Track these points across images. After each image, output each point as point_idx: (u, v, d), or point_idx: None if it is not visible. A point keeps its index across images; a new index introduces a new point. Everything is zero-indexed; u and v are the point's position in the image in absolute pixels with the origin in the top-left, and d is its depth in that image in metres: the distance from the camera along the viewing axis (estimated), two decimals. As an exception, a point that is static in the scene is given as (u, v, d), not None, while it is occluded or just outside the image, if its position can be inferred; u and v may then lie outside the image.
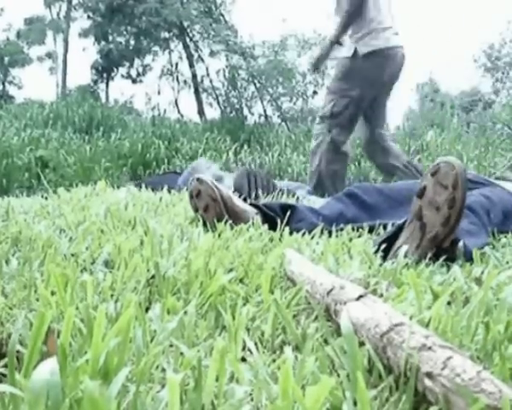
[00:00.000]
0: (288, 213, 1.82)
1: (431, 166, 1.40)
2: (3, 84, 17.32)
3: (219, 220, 1.78)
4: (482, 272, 1.20)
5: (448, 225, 1.35)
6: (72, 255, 1.33)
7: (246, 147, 7.23)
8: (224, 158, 6.71)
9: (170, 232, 1.50)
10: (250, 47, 9.79)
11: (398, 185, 2.09)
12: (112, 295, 1.03)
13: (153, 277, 1.11)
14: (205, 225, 1.82)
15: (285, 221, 1.73)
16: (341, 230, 1.71)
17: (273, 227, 1.70)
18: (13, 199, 2.71)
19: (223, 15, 10.94)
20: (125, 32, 12.91)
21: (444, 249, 1.36)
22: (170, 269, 1.13)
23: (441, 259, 1.31)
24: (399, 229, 1.45)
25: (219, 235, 1.56)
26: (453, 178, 1.34)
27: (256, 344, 0.85)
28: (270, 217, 1.83)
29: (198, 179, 1.92)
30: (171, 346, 0.78)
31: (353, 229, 1.75)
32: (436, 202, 1.36)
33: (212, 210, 1.86)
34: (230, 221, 1.76)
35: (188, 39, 11.20)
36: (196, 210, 1.92)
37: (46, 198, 2.64)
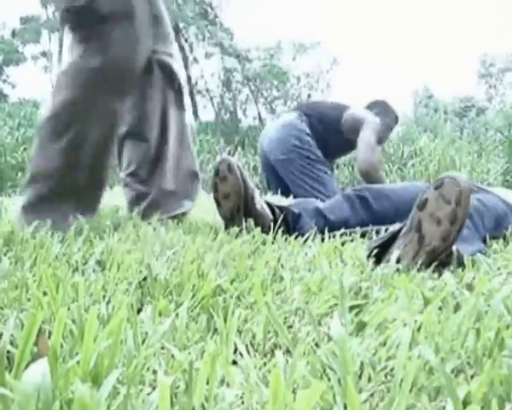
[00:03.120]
0: (293, 218, 1.81)
1: (435, 180, 1.40)
2: (-3, 82, 17.28)
3: (233, 214, 1.75)
4: (473, 278, 1.21)
5: (447, 241, 1.35)
6: (64, 255, 1.33)
7: (240, 149, 7.25)
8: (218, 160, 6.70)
9: (163, 233, 1.50)
10: (245, 50, 9.81)
11: (406, 192, 2.04)
12: (104, 297, 1.03)
13: (145, 278, 1.11)
14: (218, 208, 1.81)
15: (285, 226, 1.74)
16: (334, 236, 1.70)
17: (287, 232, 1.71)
18: (5, 198, 2.70)
19: (218, 18, 10.95)
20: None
21: (440, 261, 1.36)
22: (162, 271, 1.13)
23: (433, 265, 1.31)
24: (393, 235, 1.45)
25: (215, 238, 1.56)
26: (457, 194, 1.33)
27: (247, 347, 0.85)
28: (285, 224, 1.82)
29: (229, 165, 1.83)
30: (162, 348, 0.78)
31: (346, 233, 1.75)
32: (437, 216, 1.35)
33: (231, 202, 1.81)
34: (243, 219, 1.74)
35: (183, 41, 11.20)
36: (216, 191, 1.86)
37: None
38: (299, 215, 1.88)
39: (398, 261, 1.38)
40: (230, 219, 1.77)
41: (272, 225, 1.73)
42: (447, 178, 1.36)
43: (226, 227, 1.80)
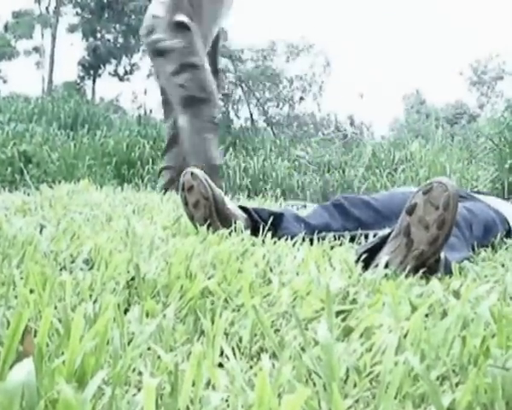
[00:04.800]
0: (274, 220, 1.81)
1: (424, 185, 1.40)
2: (-11, 76, 17.19)
3: (207, 219, 1.76)
4: (461, 286, 1.21)
5: (435, 245, 1.35)
6: (52, 253, 1.32)
7: (231, 150, 7.24)
8: (209, 160, 6.69)
9: (152, 233, 1.50)
10: (238, 51, 9.80)
11: (386, 199, 2.06)
12: (90, 296, 1.03)
13: (133, 278, 1.11)
14: (192, 220, 1.81)
15: (270, 227, 1.73)
16: (323, 238, 1.71)
17: (257, 233, 1.70)
18: (-6, 194, 2.69)
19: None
20: (113, 30, 12.87)
21: (427, 266, 1.36)
22: (150, 271, 1.12)
23: (421, 271, 1.32)
24: (382, 240, 1.45)
25: (204, 239, 1.56)
26: (445, 199, 1.34)
27: (234, 350, 0.85)
28: (258, 223, 1.82)
29: (192, 174, 1.85)
30: (148, 349, 0.78)
31: (335, 238, 1.75)
32: (425, 220, 1.36)
33: (202, 208, 1.82)
34: (218, 223, 1.75)
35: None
36: (186, 204, 1.87)
37: (28, 194, 2.62)
38: (282, 215, 1.88)
39: (386, 266, 1.39)
40: (207, 227, 1.77)
41: (252, 225, 1.75)
42: (436, 182, 1.37)
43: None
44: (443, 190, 1.35)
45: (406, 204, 1.42)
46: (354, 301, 1.06)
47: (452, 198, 1.34)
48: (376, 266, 1.36)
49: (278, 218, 1.85)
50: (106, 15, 11.99)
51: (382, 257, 1.37)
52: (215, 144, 3.80)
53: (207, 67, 3.76)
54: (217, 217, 1.80)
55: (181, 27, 3.70)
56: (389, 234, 1.45)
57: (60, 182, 3.20)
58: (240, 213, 1.88)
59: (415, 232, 1.37)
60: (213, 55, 4.12)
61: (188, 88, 3.67)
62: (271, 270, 1.27)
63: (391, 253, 1.39)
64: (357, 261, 1.42)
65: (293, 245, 1.61)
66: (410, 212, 1.39)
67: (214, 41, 4.10)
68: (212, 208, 1.81)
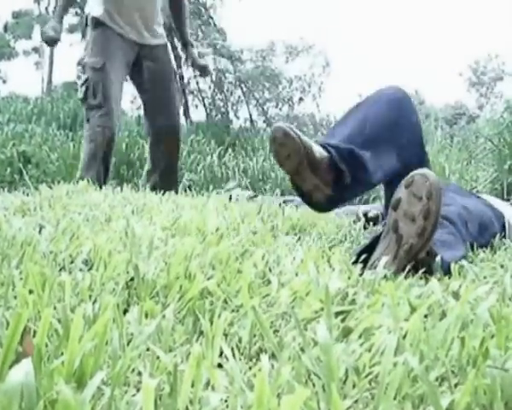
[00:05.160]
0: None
1: (405, 179, 1.41)
2: (-12, 77, 17.19)
3: (298, 169, 1.73)
4: (460, 287, 1.21)
5: (423, 236, 1.35)
6: (51, 253, 1.32)
7: (230, 151, 7.26)
8: (208, 161, 6.70)
9: (151, 234, 1.50)
10: (238, 51, 9.81)
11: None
12: (90, 296, 1.03)
13: (132, 279, 1.11)
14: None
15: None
16: None
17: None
18: (-7, 194, 2.68)
19: (212, 18, 10.94)
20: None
21: (420, 260, 1.36)
22: (149, 272, 1.12)
23: (420, 272, 1.32)
24: (376, 239, 1.46)
25: (203, 239, 1.56)
26: (427, 189, 1.35)
27: (233, 351, 0.85)
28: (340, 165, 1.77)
29: (285, 132, 1.76)
30: (147, 350, 0.78)
31: None
32: (411, 213, 1.36)
33: (294, 158, 1.74)
34: (308, 171, 1.71)
35: (176, 40, 11.18)
36: (276, 154, 1.80)
37: (27, 194, 2.62)
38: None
39: (385, 267, 1.39)
40: (297, 174, 1.74)
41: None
42: (417, 175, 1.38)
43: (292, 182, 1.79)
44: (424, 180, 1.36)
45: (391, 200, 1.42)
46: (353, 302, 1.06)
47: (435, 188, 1.35)
48: (373, 265, 1.36)
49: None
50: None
51: (377, 257, 1.37)
52: (96, 158, 3.48)
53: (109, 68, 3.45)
54: (308, 164, 1.74)
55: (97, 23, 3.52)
56: (381, 233, 1.45)
57: (59, 182, 3.19)
58: (326, 156, 1.78)
59: (402, 227, 1.38)
60: (181, 30, 4.00)
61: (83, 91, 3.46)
62: (270, 270, 1.27)
63: (383, 251, 1.40)
64: (354, 263, 1.42)
65: (297, 241, 1.61)
66: (396, 207, 1.40)
67: (177, 14, 3.97)
68: (304, 161, 1.75)
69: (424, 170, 1.38)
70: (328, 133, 1.97)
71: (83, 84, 3.44)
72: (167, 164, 3.71)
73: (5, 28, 17.94)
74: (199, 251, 1.32)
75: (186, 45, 4.04)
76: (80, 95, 3.48)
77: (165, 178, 3.68)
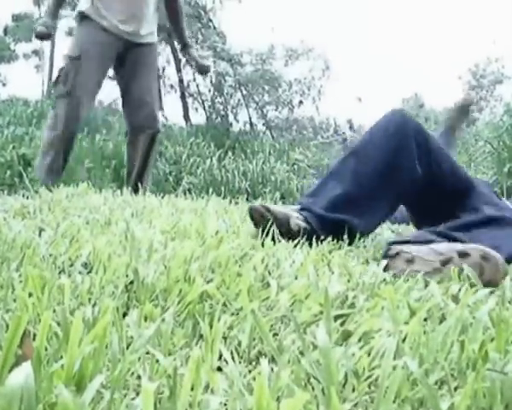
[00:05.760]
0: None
1: (484, 248, 1.42)
2: (-12, 79, 17.21)
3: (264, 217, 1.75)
4: (459, 290, 1.21)
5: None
6: (51, 256, 1.32)
7: (230, 154, 7.26)
8: (208, 164, 6.70)
9: (151, 237, 1.50)
10: (238, 54, 9.81)
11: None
12: (89, 299, 1.03)
13: (131, 282, 1.11)
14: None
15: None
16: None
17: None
18: (-7, 197, 2.68)
19: (212, 21, 10.95)
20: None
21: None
22: (149, 275, 1.12)
23: (419, 275, 1.32)
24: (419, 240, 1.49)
25: (203, 243, 1.56)
26: (493, 277, 1.38)
27: (232, 354, 0.85)
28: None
29: (261, 214, 1.83)
30: (147, 353, 0.78)
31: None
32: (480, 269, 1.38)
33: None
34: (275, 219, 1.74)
35: (176, 43, 11.18)
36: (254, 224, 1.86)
37: (27, 197, 2.62)
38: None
39: (385, 270, 1.39)
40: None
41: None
42: (492, 257, 1.39)
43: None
44: (495, 269, 1.38)
45: (459, 247, 1.44)
46: (353, 306, 1.06)
47: (498, 280, 1.37)
48: (398, 254, 1.41)
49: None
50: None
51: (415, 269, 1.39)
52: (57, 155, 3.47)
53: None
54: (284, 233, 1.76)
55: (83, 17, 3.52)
56: (431, 240, 1.47)
57: (59, 185, 3.20)
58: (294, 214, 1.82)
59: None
60: (179, 31, 3.99)
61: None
62: (270, 273, 1.27)
63: (424, 261, 1.41)
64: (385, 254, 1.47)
65: (295, 246, 1.61)
66: (462, 256, 1.40)
67: (173, 16, 3.95)
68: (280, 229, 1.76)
69: (500, 260, 1.40)
70: (313, 191, 1.94)
71: (59, 72, 3.46)
72: (142, 162, 3.69)
73: (5, 31, 17.95)
74: (198, 254, 1.32)
75: (185, 46, 4.04)
76: (52, 80, 3.49)
77: (140, 174, 3.69)
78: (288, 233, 1.74)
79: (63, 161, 3.51)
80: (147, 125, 3.64)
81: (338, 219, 1.77)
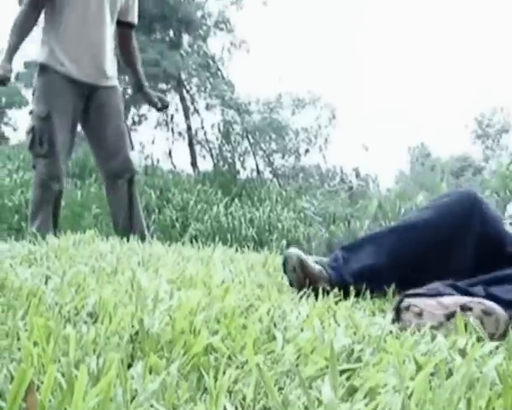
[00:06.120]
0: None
1: (487, 306, 1.42)
2: (-1, 125, 17.45)
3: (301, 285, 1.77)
4: (466, 343, 1.21)
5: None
6: (57, 304, 1.33)
7: (237, 201, 7.29)
8: (215, 211, 6.72)
9: (157, 286, 1.50)
10: (245, 103, 9.94)
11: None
12: (94, 350, 1.02)
13: (137, 333, 1.10)
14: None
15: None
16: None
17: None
18: (1, 243, 2.70)
19: (220, 70, 11.12)
20: (122, 82, 13.09)
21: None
22: (154, 326, 1.12)
23: (426, 327, 1.31)
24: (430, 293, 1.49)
25: (209, 293, 1.56)
26: (494, 330, 1.38)
27: (237, 408, 0.84)
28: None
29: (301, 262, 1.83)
30: (151, 407, 0.78)
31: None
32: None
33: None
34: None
35: (185, 92, 11.35)
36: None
37: (34, 244, 2.63)
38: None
39: (393, 322, 1.39)
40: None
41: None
42: (494, 314, 1.39)
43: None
44: (496, 324, 1.38)
45: (463, 300, 1.43)
46: (359, 359, 1.05)
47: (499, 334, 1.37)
48: (409, 307, 1.42)
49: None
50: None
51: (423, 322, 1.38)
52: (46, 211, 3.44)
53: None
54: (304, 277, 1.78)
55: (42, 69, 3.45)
56: (442, 293, 1.48)
57: (66, 232, 3.21)
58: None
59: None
60: (135, 73, 3.84)
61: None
62: (276, 325, 1.27)
63: (432, 315, 1.41)
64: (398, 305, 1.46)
65: (300, 299, 1.61)
66: (464, 309, 1.40)
67: (128, 57, 3.82)
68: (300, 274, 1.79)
69: (502, 316, 1.40)
70: (342, 255, 1.92)
71: (29, 133, 3.40)
72: (128, 207, 3.61)
73: (17, 77, 18.24)
74: (204, 305, 1.32)
75: (141, 85, 3.88)
76: (27, 143, 3.44)
77: (129, 222, 3.59)
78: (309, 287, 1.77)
79: (54, 219, 3.48)
80: (124, 170, 3.58)
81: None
